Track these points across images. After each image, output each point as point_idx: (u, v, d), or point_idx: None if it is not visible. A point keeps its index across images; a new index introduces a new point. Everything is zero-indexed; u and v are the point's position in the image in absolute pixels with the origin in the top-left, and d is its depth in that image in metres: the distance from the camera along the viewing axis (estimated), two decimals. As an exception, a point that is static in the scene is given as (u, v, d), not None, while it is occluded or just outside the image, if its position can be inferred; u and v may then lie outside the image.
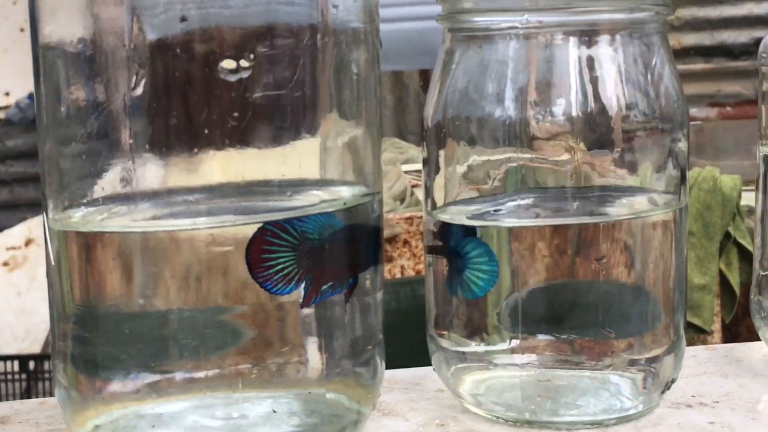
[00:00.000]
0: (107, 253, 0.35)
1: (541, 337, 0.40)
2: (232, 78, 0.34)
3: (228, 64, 0.34)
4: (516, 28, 0.39)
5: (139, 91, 0.34)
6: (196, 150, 0.34)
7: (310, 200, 0.36)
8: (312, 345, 0.37)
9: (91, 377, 0.36)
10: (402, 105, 2.94)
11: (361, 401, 0.38)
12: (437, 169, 0.42)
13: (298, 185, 0.36)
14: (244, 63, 0.34)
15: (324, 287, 0.36)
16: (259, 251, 0.33)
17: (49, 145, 0.36)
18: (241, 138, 0.35)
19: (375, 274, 0.38)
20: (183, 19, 0.34)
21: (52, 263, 0.36)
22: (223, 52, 0.34)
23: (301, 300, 0.35)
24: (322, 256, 0.36)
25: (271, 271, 0.34)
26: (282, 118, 0.35)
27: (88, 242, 0.36)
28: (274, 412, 0.37)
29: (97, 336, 0.36)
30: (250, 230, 0.34)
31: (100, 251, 0.35)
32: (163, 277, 0.35)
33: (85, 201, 0.35)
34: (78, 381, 0.36)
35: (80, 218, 0.35)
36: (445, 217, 0.41)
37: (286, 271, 0.35)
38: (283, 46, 0.35)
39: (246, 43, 0.34)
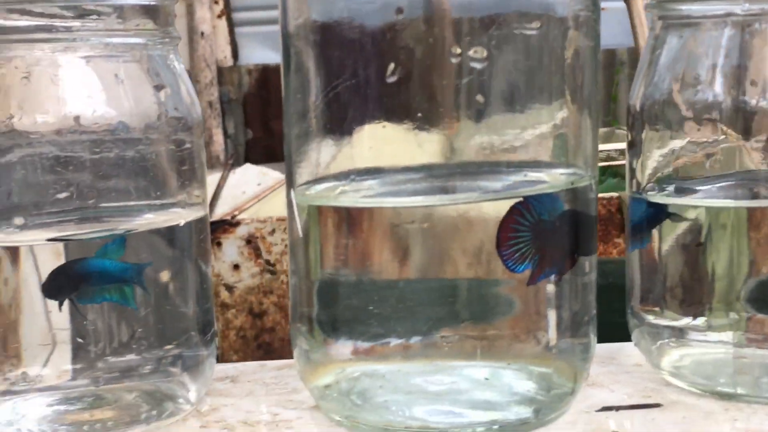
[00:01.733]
0: (356, 226, 0.38)
1: (760, 315, 0.41)
2: (476, 64, 0.36)
3: (470, 51, 0.36)
4: (733, 15, 0.41)
5: (382, 74, 0.37)
6: (437, 129, 0.37)
7: (544, 181, 0.38)
8: (534, 320, 0.39)
9: (330, 339, 0.40)
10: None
11: (576, 374, 0.40)
12: (642, 151, 0.44)
13: (533, 166, 0.38)
14: (480, 50, 0.36)
15: (548, 267, 0.38)
16: (507, 229, 0.36)
17: (297, 126, 0.39)
18: (477, 120, 0.37)
19: (592, 255, 0.40)
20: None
21: (300, 235, 0.39)
22: (459, 39, 0.36)
23: (528, 278, 0.38)
24: (550, 236, 0.38)
25: (513, 249, 0.37)
26: (515, 101, 0.38)
27: (337, 215, 0.39)
28: (486, 379, 0.40)
29: (339, 302, 0.39)
30: (494, 208, 0.36)
31: (349, 224, 0.38)
32: (403, 250, 0.38)
33: (333, 176, 0.39)
34: (319, 342, 0.40)
35: (329, 193, 0.39)
36: (655, 198, 0.43)
37: (523, 249, 0.37)
38: (518, 32, 0.37)
39: (482, 30, 0.37)
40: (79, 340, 0.38)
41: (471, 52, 0.36)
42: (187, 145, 0.40)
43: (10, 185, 0.37)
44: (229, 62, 3.36)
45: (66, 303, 0.37)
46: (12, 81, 0.38)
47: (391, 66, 0.37)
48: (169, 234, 0.40)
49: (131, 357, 0.39)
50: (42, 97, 0.38)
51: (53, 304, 0.37)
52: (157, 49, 0.40)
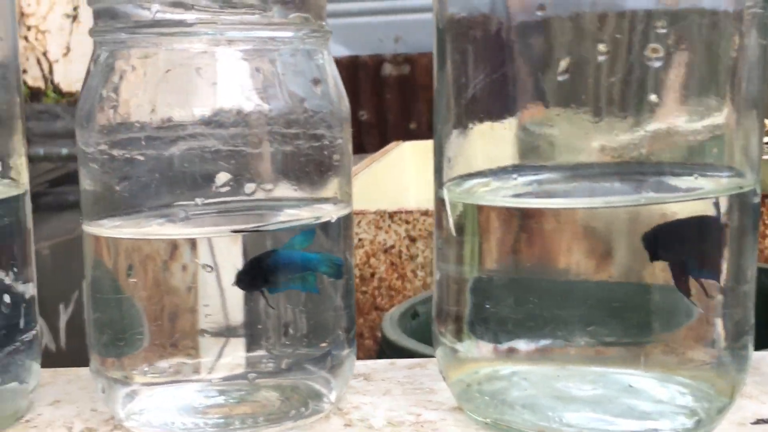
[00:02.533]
0: (516, 225, 0.37)
1: None
2: (655, 63, 0.35)
3: (637, 47, 0.35)
4: None
5: (540, 70, 0.36)
6: (594, 126, 0.36)
7: (706, 185, 0.37)
8: (698, 329, 0.38)
9: (481, 338, 0.39)
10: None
11: (735, 385, 0.39)
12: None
13: (699, 169, 0.37)
14: (655, 48, 0.35)
15: (712, 273, 0.37)
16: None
17: (448, 121, 0.39)
18: (638, 119, 0.36)
19: (753, 262, 0.39)
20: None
21: (452, 232, 0.39)
22: (620, 34, 0.35)
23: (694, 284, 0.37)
24: (717, 241, 0.37)
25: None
26: (681, 100, 0.36)
27: (496, 214, 0.38)
28: (630, 386, 0.39)
29: (493, 301, 0.38)
30: (659, 210, 0.35)
31: (509, 223, 0.37)
32: (564, 251, 0.37)
33: (488, 172, 0.38)
34: (468, 341, 0.39)
35: (484, 189, 0.38)
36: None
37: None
38: (691, 28, 0.36)
39: (647, 25, 0.36)
40: (259, 330, 0.38)
41: (637, 49, 0.35)
42: (339, 141, 0.40)
43: (172, 177, 0.37)
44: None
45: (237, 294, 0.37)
46: (173, 74, 0.38)
47: (549, 61, 0.36)
48: (324, 229, 0.39)
49: (296, 352, 0.39)
50: (202, 91, 0.38)
51: (230, 294, 0.37)
52: (311, 43, 0.39)
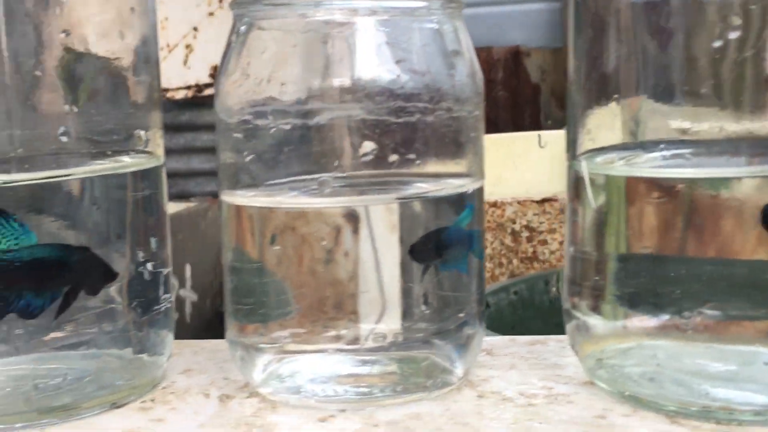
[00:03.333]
0: (665, 197, 0.37)
1: None
2: None
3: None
4: None
5: (672, 45, 0.36)
6: (725, 104, 0.36)
7: None
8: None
9: (622, 313, 0.39)
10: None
11: None
12: None
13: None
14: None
15: None
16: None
17: (584, 93, 0.39)
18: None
19: None
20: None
21: (592, 206, 0.39)
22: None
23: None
24: None
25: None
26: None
27: (643, 187, 0.38)
28: (765, 364, 0.38)
29: (636, 276, 0.38)
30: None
31: (659, 196, 0.37)
32: (714, 226, 0.37)
33: (631, 145, 0.38)
34: (606, 316, 0.39)
35: (634, 163, 0.38)
36: None
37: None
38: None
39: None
40: (403, 302, 0.38)
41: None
42: (476, 113, 0.40)
43: (318, 147, 0.37)
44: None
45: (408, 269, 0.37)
46: (313, 45, 0.38)
47: (679, 38, 0.35)
48: (460, 202, 0.39)
49: (435, 326, 0.39)
50: (341, 61, 0.38)
51: (389, 266, 0.38)
52: (448, 14, 0.40)
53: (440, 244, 0.38)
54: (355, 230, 0.37)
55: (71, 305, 0.38)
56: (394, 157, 0.38)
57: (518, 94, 3.07)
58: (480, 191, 0.41)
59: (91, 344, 0.39)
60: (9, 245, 0.36)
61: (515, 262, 1.54)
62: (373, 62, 0.38)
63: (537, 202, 1.54)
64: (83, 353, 0.39)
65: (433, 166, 0.39)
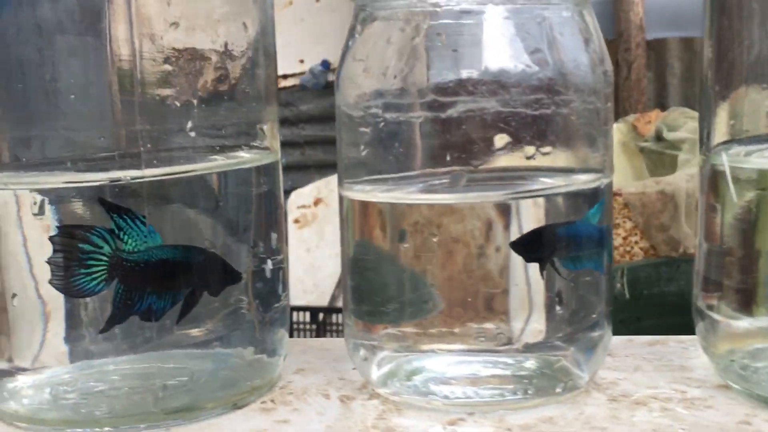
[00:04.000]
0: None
1: None
2: None
3: None
4: None
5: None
6: None
7: None
8: None
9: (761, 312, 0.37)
10: (690, 73, 2.82)
11: None
12: None
13: None
14: None
15: None
16: None
17: (721, 82, 0.37)
18: None
19: None
20: None
21: (733, 200, 0.37)
22: None
23: None
24: None
25: None
26: None
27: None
28: None
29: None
30: None
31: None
32: None
33: None
34: (744, 314, 0.37)
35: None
36: None
37: None
38: None
39: None
40: (538, 303, 0.37)
41: None
42: (608, 104, 0.39)
43: (450, 140, 0.36)
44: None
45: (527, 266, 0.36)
46: (443, 36, 0.37)
47: None
48: (594, 197, 0.38)
49: (566, 328, 0.38)
50: (477, 52, 0.37)
51: (515, 265, 0.36)
52: (579, 2, 0.38)
53: (556, 239, 0.36)
54: (506, 226, 0.36)
55: (193, 308, 0.37)
56: (530, 150, 0.36)
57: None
58: (610, 186, 0.39)
59: (214, 343, 0.38)
60: (135, 246, 0.36)
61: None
62: (505, 53, 0.37)
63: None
64: (206, 352, 0.38)
65: (567, 160, 0.37)
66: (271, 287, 0.40)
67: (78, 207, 0.35)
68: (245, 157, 0.39)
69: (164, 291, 0.36)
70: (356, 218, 0.39)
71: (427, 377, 0.38)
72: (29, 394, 0.38)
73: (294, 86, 3.09)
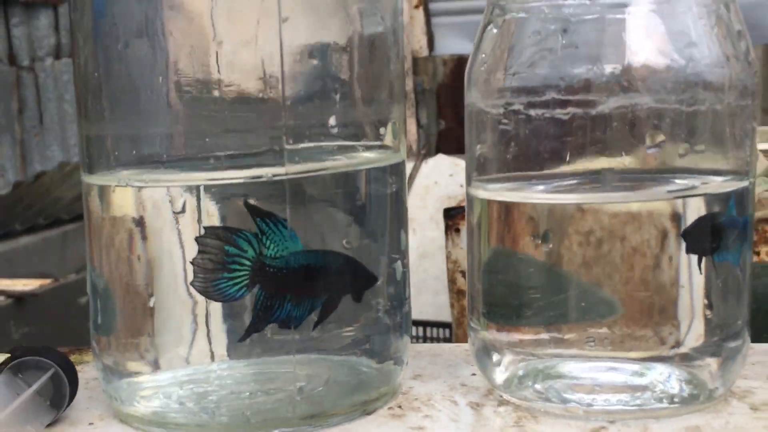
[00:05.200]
0: None
1: None
2: None
3: None
4: None
5: None
6: None
7: None
8: None
9: None
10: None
11: None
12: None
13: None
14: None
15: None
16: None
17: None
18: None
19: None
20: None
21: None
22: None
23: None
24: None
25: None
26: None
27: None
28: None
29: None
30: None
31: None
32: None
33: None
34: None
35: None
36: None
37: None
38: None
39: None
40: (709, 312, 0.36)
41: None
42: (756, 102, 0.37)
43: (599, 137, 0.35)
44: (425, 52, 3.38)
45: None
46: (587, 31, 0.36)
47: None
48: (743, 198, 0.37)
49: (724, 332, 0.36)
50: (624, 47, 0.36)
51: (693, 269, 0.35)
52: None
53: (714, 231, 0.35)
54: (676, 225, 0.35)
55: (331, 313, 0.36)
56: (682, 149, 0.35)
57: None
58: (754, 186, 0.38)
59: (347, 349, 0.37)
60: (277, 251, 0.35)
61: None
62: (655, 48, 0.35)
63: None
64: (339, 358, 0.37)
65: (717, 161, 0.36)
66: (401, 291, 0.39)
67: (222, 208, 0.34)
68: (376, 157, 0.38)
69: (303, 298, 0.35)
70: (488, 219, 0.38)
71: (565, 384, 0.37)
72: (160, 396, 0.36)
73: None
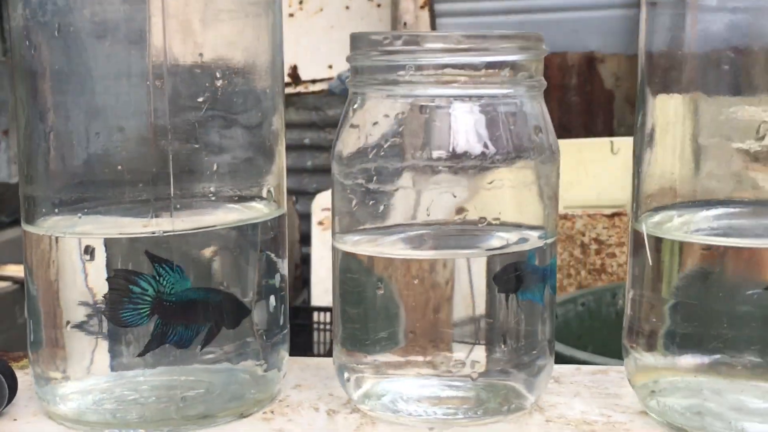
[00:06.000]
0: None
1: None
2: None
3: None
4: None
5: None
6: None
7: None
8: None
9: (666, 351, 0.46)
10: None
11: None
12: None
13: None
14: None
15: None
16: None
17: None
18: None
19: None
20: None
21: (649, 261, 0.45)
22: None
23: None
24: None
25: None
26: None
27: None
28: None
29: (681, 320, 0.45)
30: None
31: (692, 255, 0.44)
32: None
33: None
34: (653, 352, 0.46)
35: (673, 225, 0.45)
36: None
37: None
38: None
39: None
40: (488, 334, 0.46)
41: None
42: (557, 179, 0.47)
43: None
44: (429, 52, 3.45)
45: None
46: (422, 121, 0.45)
47: None
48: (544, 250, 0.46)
49: (512, 358, 0.46)
50: (441, 135, 0.45)
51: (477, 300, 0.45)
52: (532, 96, 0.47)
53: (520, 275, 0.45)
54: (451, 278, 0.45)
55: (215, 337, 0.46)
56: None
57: (591, 100, 3.11)
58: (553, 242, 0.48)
59: (227, 361, 0.47)
60: (172, 289, 0.45)
61: (583, 273, 1.59)
62: (466, 137, 0.45)
63: (607, 216, 1.59)
64: (220, 368, 0.47)
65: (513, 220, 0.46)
66: (276, 317, 0.49)
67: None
68: (258, 213, 0.48)
69: (191, 325, 0.45)
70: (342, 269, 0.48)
71: (396, 397, 0.47)
72: (76, 398, 0.47)
73: (322, 91, 3.19)
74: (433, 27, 3.51)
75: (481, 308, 0.46)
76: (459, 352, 0.46)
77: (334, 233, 0.49)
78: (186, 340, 0.45)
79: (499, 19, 3.47)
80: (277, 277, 0.49)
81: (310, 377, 0.54)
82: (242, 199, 0.48)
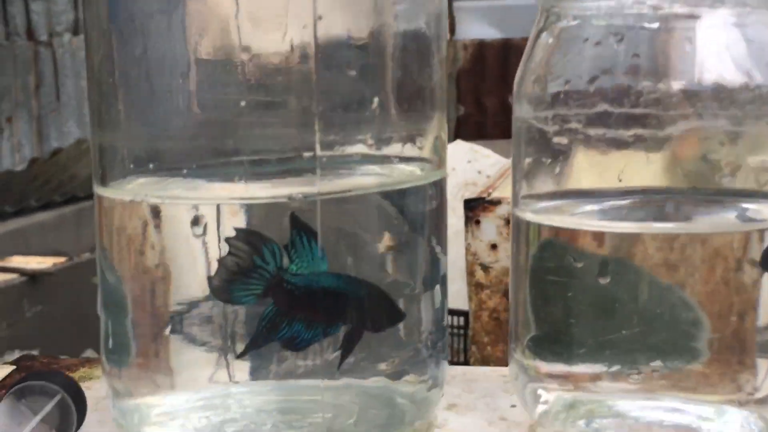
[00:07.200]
0: None
1: None
2: None
3: None
4: None
5: None
6: None
7: None
8: None
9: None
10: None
11: None
12: None
13: None
14: None
15: None
16: None
17: None
18: None
19: None
20: None
21: None
22: None
23: None
24: None
25: None
26: None
27: None
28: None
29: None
30: None
31: None
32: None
33: None
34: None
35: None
36: None
37: None
38: None
39: None
40: None
41: None
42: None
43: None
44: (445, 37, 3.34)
45: None
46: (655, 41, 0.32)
47: None
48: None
49: None
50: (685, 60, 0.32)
51: None
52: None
53: None
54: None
55: (355, 346, 0.33)
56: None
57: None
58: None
59: (375, 375, 0.34)
60: (300, 268, 0.32)
61: None
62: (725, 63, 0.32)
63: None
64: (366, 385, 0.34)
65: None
66: (439, 318, 0.36)
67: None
68: (415, 174, 0.35)
69: (314, 322, 0.32)
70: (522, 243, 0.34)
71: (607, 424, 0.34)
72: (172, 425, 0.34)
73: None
74: (450, 11, 3.39)
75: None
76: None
77: (517, 200, 0.36)
78: (303, 340, 0.32)
79: (515, 2, 3.34)
80: (442, 262, 0.36)
81: (463, 394, 0.41)
82: (401, 160, 0.34)
